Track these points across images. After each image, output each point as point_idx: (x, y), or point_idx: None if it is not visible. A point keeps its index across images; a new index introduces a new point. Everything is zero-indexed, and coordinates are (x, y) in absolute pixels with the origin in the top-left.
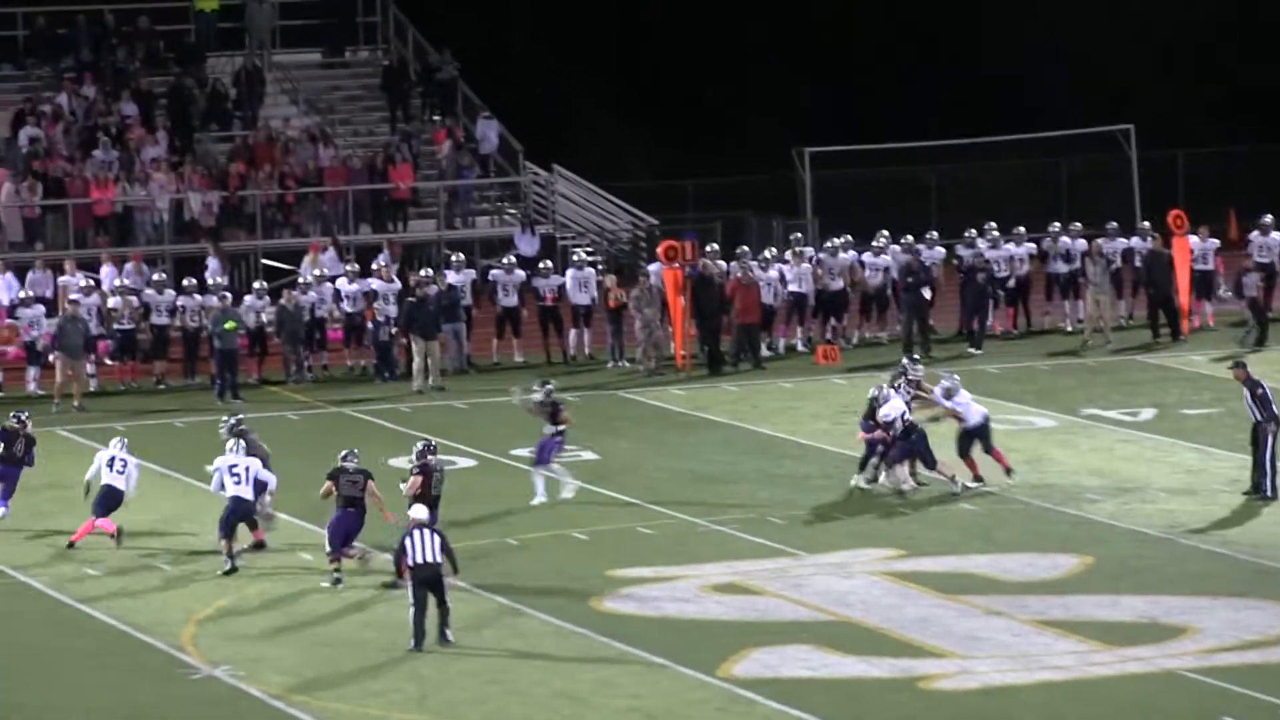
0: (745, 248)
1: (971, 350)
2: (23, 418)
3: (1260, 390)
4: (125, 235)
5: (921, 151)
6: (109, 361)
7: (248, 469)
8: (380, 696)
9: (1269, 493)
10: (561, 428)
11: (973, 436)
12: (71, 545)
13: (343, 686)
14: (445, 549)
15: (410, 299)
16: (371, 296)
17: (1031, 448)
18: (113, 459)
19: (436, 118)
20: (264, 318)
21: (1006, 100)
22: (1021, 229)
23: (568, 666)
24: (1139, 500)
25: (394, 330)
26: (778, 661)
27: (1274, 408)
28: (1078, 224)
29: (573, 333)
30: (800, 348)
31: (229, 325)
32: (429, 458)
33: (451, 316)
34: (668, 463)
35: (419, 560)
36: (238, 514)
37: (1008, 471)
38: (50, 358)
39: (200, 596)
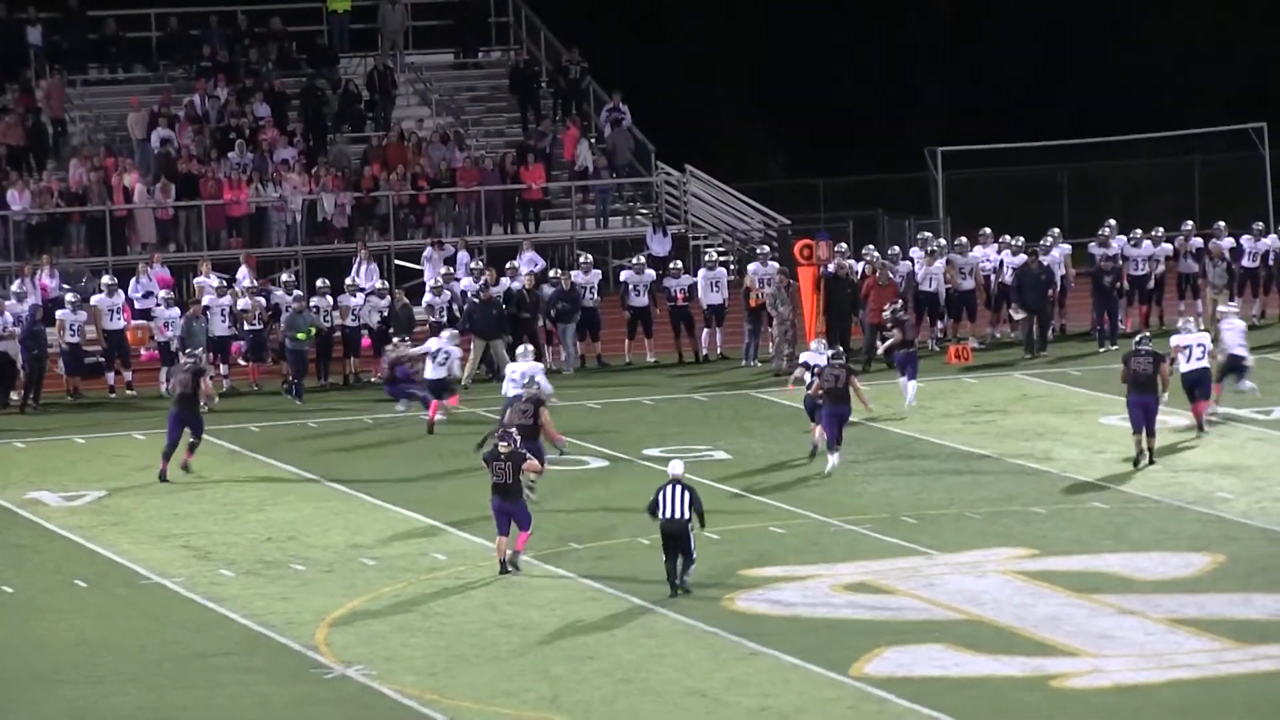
0: (871, 247)
1: (1100, 349)
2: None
3: None
4: (258, 236)
5: (1053, 150)
6: (241, 362)
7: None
8: (512, 696)
9: None
10: None
11: None
12: (431, 430)
13: (474, 686)
14: (694, 504)
15: (475, 298)
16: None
17: (1164, 446)
18: (436, 351)
19: (568, 118)
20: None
21: (1140, 98)
22: (1160, 229)
23: (700, 666)
24: (1271, 498)
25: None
26: (910, 660)
27: None
28: (1189, 223)
29: (704, 332)
30: (932, 347)
31: (300, 335)
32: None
33: (567, 317)
34: (800, 462)
35: (667, 515)
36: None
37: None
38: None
39: (333, 596)
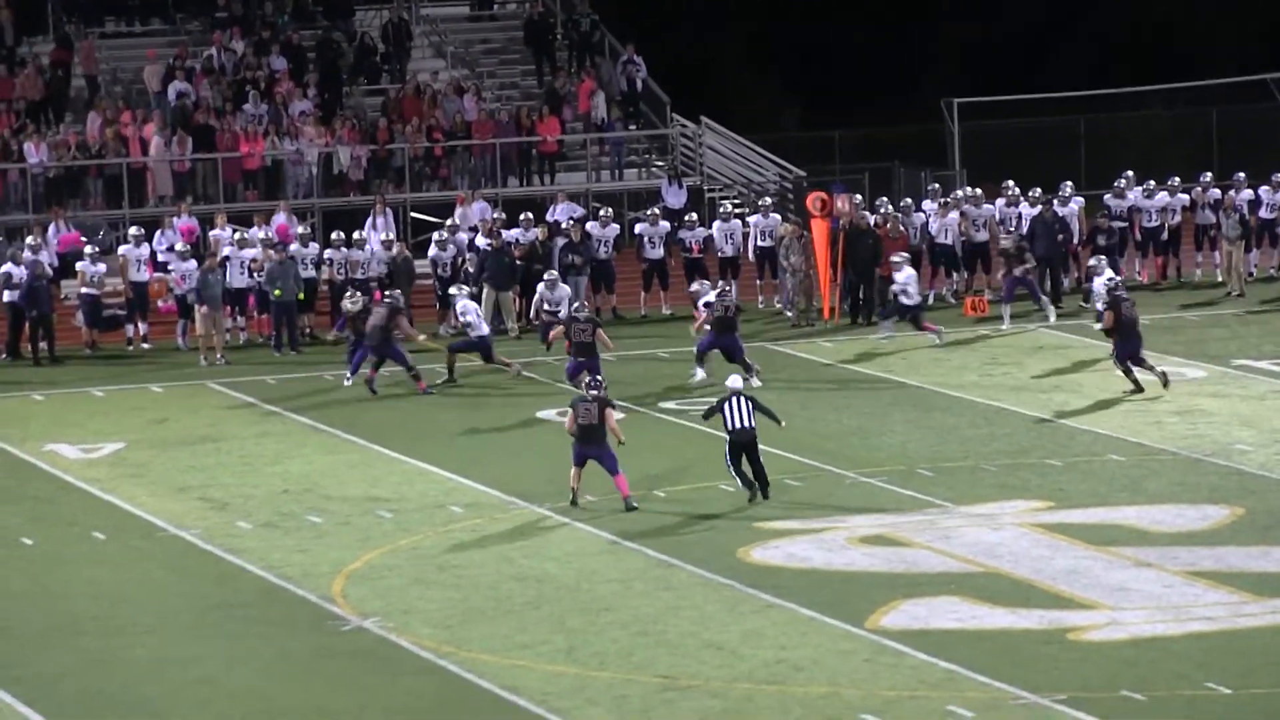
0: (885, 199)
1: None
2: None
3: None
4: (274, 189)
5: (1070, 101)
6: (256, 315)
7: None
8: (528, 649)
9: None
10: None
11: None
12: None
13: (491, 638)
14: (759, 409)
15: (487, 247)
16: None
17: (1182, 398)
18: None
19: (582, 70)
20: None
21: (1158, 48)
22: (1176, 180)
23: (716, 618)
24: None
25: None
26: (926, 613)
27: None
28: (1207, 174)
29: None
30: (949, 300)
31: (277, 291)
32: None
33: (577, 270)
34: (816, 414)
35: (736, 426)
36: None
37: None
38: (198, 311)
39: (350, 549)
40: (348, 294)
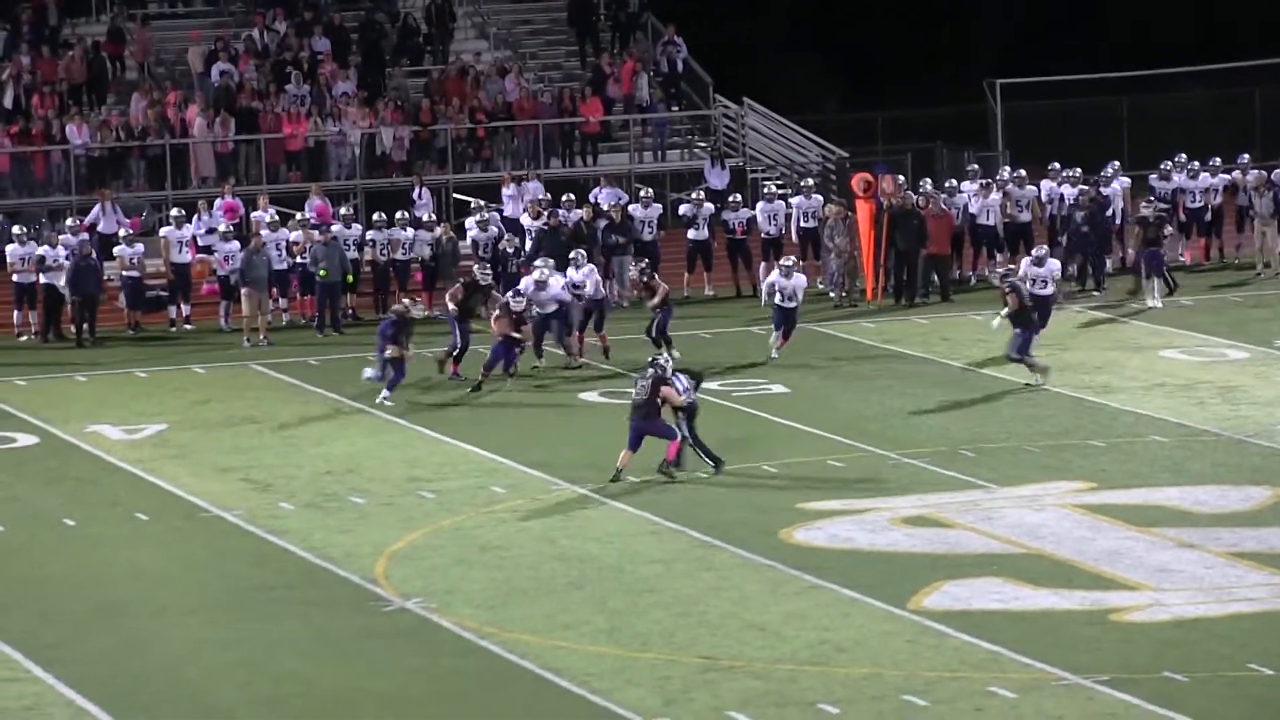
0: (928, 180)
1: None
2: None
3: None
4: (317, 170)
5: (1113, 82)
6: (299, 296)
7: None
8: (570, 629)
9: None
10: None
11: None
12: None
13: (532, 619)
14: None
15: (544, 227)
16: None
17: (1224, 379)
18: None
19: (625, 51)
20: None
21: (1200, 28)
22: (1217, 160)
23: (758, 599)
24: None
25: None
26: (968, 594)
27: None
28: (1246, 155)
29: (761, 266)
30: (991, 280)
31: (322, 272)
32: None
33: (620, 250)
34: (858, 395)
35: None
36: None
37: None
38: (242, 292)
39: (392, 530)
40: (477, 265)
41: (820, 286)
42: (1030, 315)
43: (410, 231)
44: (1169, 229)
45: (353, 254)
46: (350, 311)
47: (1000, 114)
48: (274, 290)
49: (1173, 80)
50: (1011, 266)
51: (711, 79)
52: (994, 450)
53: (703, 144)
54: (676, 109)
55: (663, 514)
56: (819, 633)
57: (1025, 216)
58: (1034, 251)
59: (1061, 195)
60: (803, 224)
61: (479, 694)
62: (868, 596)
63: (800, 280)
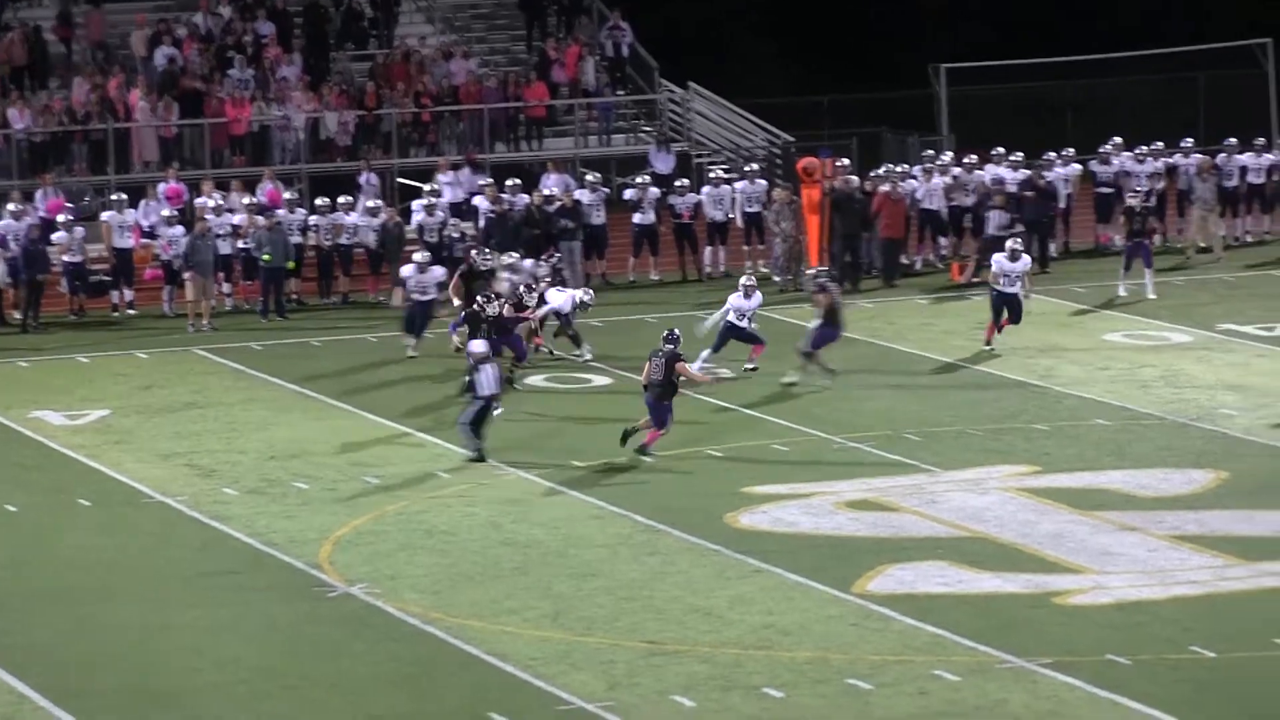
0: (890, 165)
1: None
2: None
3: None
4: (261, 154)
5: (1058, 67)
6: (241, 281)
7: None
8: (515, 614)
9: None
10: None
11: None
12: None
13: (478, 604)
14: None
15: (491, 213)
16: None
17: (1167, 363)
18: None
19: (571, 35)
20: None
21: (1145, 14)
22: (1160, 145)
23: (703, 584)
24: (1275, 415)
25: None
26: (913, 578)
27: None
28: (1189, 140)
29: (707, 250)
30: (936, 264)
31: (266, 256)
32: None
33: (570, 235)
34: (802, 379)
35: (486, 392)
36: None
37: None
38: (184, 277)
39: (337, 515)
40: (477, 251)
41: (764, 270)
42: (840, 316)
43: (354, 216)
44: (1154, 224)
45: (297, 239)
46: (294, 297)
47: (945, 98)
48: (218, 275)
49: (1118, 65)
50: (825, 270)
51: (658, 64)
52: (938, 434)
53: (648, 128)
54: (622, 94)
55: (607, 499)
56: (764, 617)
57: (971, 201)
58: (1009, 245)
59: (1002, 180)
60: (748, 209)
61: (424, 679)
62: (812, 580)
63: (758, 299)
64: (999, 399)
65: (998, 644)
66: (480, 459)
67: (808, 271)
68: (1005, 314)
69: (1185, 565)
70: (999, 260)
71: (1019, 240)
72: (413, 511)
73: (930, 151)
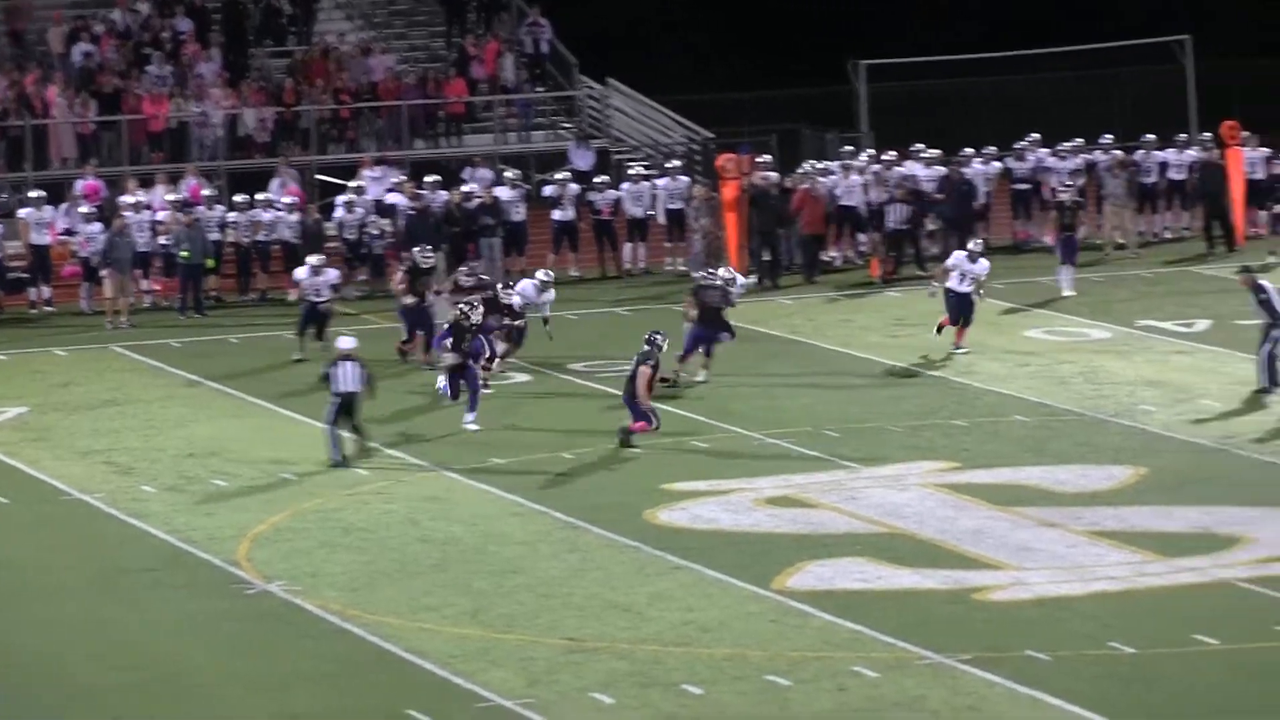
0: (813, 161)
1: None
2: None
3: (1264, 295)
4: (180, 151)
5: (978, 63)
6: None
7: None
8: (434, 611)
9: (1270, 385)
10: None
11: None
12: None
13: (396, 601)
14: (366, 379)
15: (411, 210)
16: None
17: (1086, 359)
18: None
19: (490, 32)
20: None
21: (1065, 10)
22: (1080, 141)
23: (623, 580)
24: (1193, 411)
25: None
26: (832, 574)
27: (1279, 310)
28: (1108, 136)
29: (627, 246)
30: (855, 261)
31: (184, 254)
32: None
33: (490, 232)
34: (722, 376)
35: (341, 389)
36: None
37: None
38: (102, 274)
39: (255, 512)
40: (418, 249)
41: (683, 267)
42: (719, 316)
43: (272, 213)
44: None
45: (215, 236)
46: (213, 294)
47: (864, 95)
48: (137, 272)
49: (1038, 61)
50: (730, 274)
51: (577, 60)
52: (857, 430)
53: (568, 125)
54: (541, 90)
55: (527, 495)
56: (683, 613)
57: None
58: (970, 245)
59: (915, 176)
60: (670, 206)
61: (343, 676)
62: (731, 577)
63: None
64: (919, 395)
65: (917, 640)
66: (341, 464)
67: (861, 250)
68: (959, 314)
69: (1104, 561)
70: (958, 257)
71: (979, 242)
72: (331, 509)
73: (849, 148)
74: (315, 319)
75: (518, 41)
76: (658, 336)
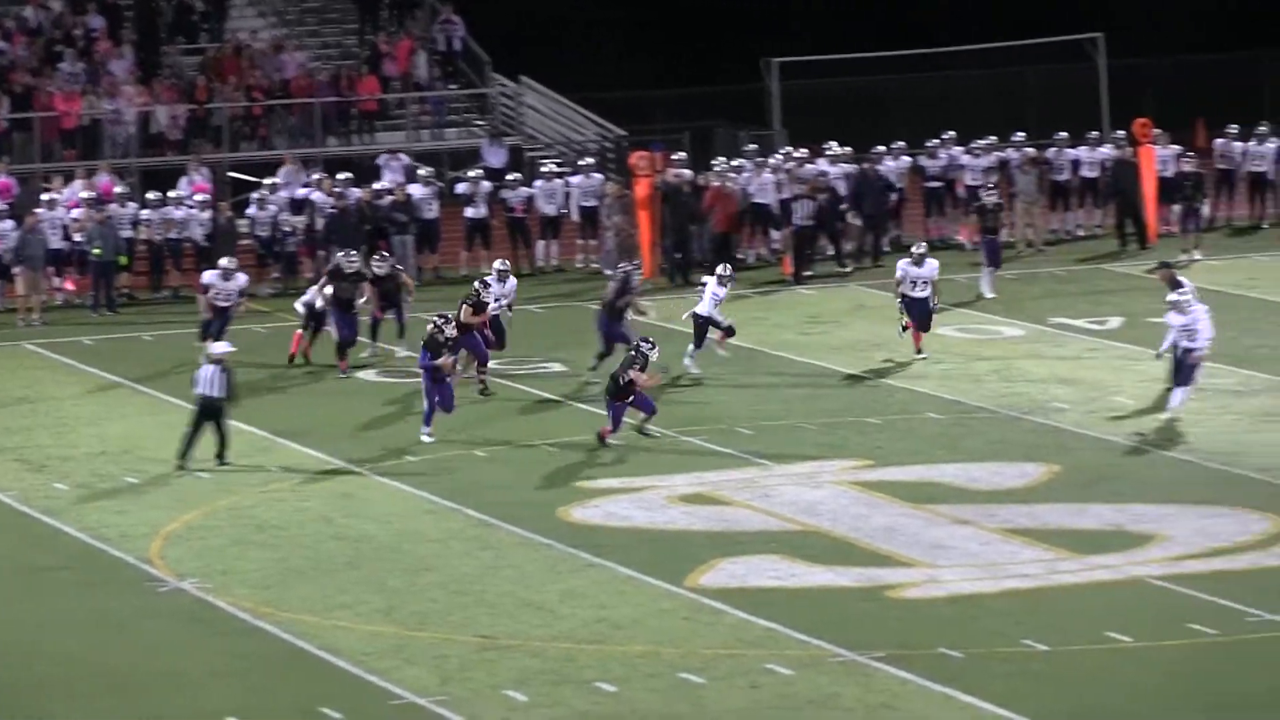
0: (723, 158)
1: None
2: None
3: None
4: (92, 149)
5: (891, 61)
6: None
7: None
8: (347, 608)
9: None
10: None
11: None
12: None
13: (309, 598)
14: (229, 383)
15: (333, 209)
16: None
17: (999, 357)
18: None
19: (402, 29)
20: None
21: (976, 8)
22: (994, 138)
23: (536, 578)
24: (1106, 408)
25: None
26: (745, 572)
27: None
28: (1020, 134)
29: (540, 244)
30: (767, 259)
31: (96, 250)
32: None
33: (403, 229)
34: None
35: (204, 392)
36: None
37: None
38: (14, 272)
39: (168, 510)
40: (342, 253)
41: (595, 265)
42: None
43: (184, 210)
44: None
45: (128, 233)
46: (125, 291)
47: (777, 93)
48: (49, 269)
49: (951, 59)
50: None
51: (490, 58)
52: (771, 428)
53: (480, 122)
54: (454, 87)
55: (440, 493)
56: (596, 611)
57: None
58: (913, 250)
59: (826, 174)
60: (584, 203)
61: (256, 674)
62: (645, 574)
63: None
64: (832, 393)
65: (831, 638)
66: (183, 467)
67: (774, 248)
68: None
69: (1017, 559)
70: (903, 266)
71: (923, 245)
72: (244, 506)
73: (753, 146)
74: (222, 322)
75: (431, 39)
76: (644, 344)
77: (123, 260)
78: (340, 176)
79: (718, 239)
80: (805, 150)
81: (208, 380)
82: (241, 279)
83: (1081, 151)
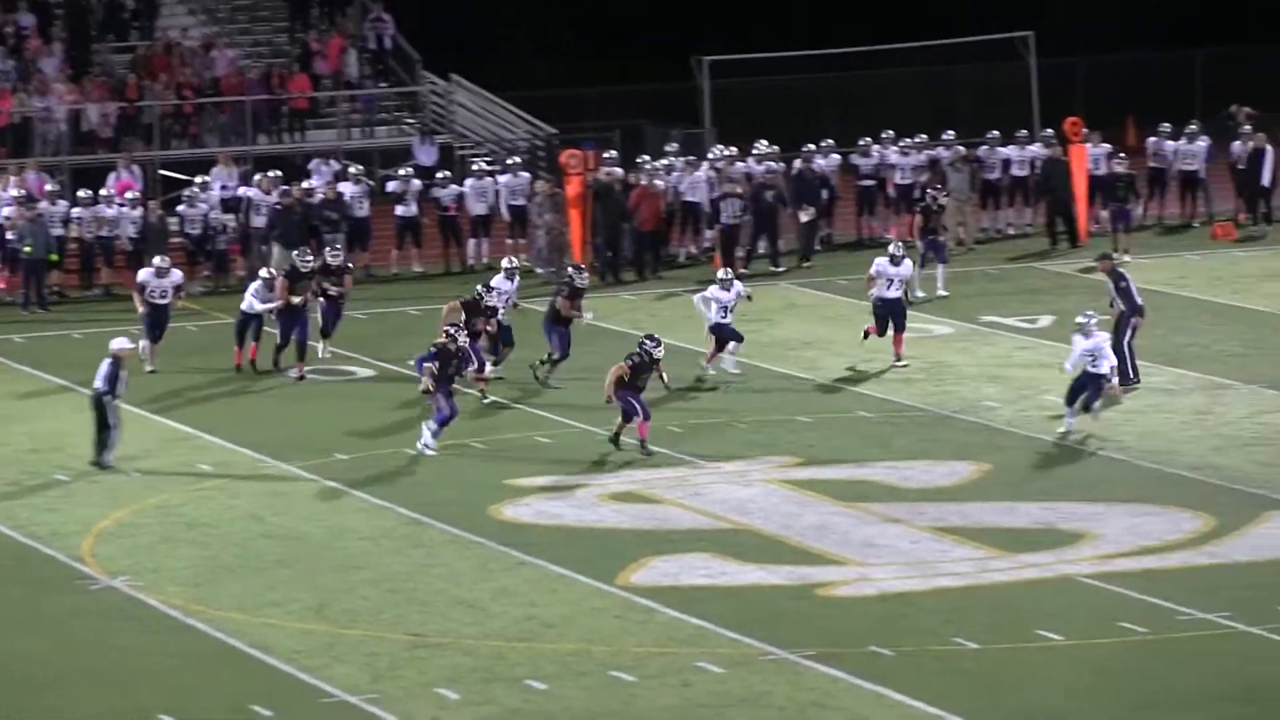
0: (647, 156)
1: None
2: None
3: (1124, 283)
4: (22, 146)
5: (822, 59)
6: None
7: None
8: (278, 606)
9: (1133, 377)
10: None
11: None
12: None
13: (240, 596)
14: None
15: (276, 206)
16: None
17: (930, 355)
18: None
19: (333, 27)
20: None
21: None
22: (924, 137)
23: (467, 576)
24: (1037, 407)
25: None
26: (676, 570)
27: (1136, 299)
28: (950, 132)
29: (471, 242)
30: (700, 258)
31: (27, 249)
32: None
33: (334, 227)
34: (566, 371)
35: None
36: None
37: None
38: None
39: (99, 508)
40: (297, 253)
41: (526, 263)
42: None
43: (115, 209)
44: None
45: (58, 231)
46: (56, 289)
47: (708, 90)
48: None
49: (881, 57)
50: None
51: (420, 56)
52: (702, 426)
53: (411, 121)
54: (384, 86)
55: (371, 491)
56: (527, 609)
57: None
58: (890, 249)
59: (752, 173)
60: (512, 202)
61: (187, 671)
62: (576, 573)
63: (739, 288)
64: (763, 391)
65: (761, 636)
66: (97, 464)
67: (705, 246)
68: (889, 322)
69: (948, 557)
70: (880, 264)
71: (899, 245)
72: (174, 504)
73: (674, 145)
74: (159, 322)
75: (361, 37)
76: (647, 343)
77: (54, 258)
78: (270, 174)
79: (644, 238)
80: (734, 149)
81: (100, 374)
82: (176, 275)
83: (1012, 150)
